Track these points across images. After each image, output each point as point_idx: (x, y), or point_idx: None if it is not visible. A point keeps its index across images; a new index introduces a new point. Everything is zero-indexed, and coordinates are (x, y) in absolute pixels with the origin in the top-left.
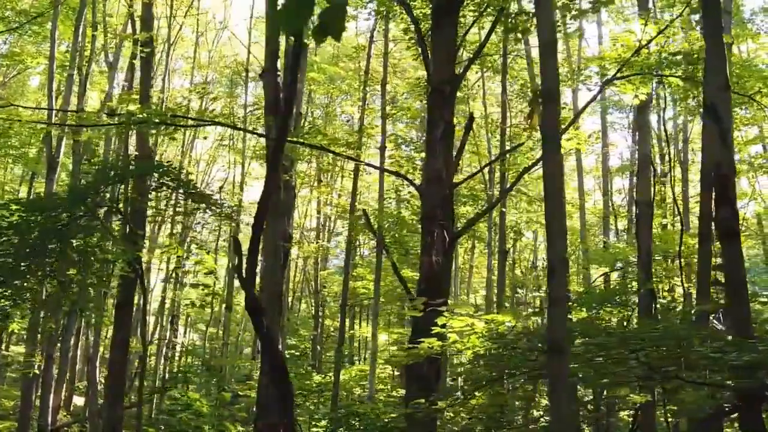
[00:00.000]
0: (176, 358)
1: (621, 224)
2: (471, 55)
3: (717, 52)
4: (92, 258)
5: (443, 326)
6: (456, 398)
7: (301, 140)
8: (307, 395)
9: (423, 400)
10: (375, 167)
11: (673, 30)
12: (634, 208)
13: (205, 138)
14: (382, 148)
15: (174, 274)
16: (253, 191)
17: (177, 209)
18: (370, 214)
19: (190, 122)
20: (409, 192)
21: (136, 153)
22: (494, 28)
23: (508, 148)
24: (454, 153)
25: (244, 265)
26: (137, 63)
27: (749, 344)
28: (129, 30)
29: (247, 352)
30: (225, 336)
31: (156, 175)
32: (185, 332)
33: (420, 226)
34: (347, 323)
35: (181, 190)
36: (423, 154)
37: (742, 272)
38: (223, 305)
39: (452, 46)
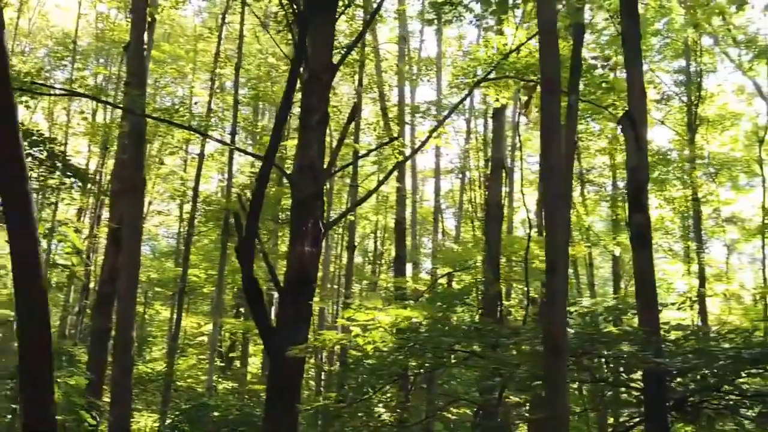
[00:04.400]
0: None
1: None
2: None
3: (635, 59)
4: None
5: (349, 319)
6: (356, 397)
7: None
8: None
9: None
10: (224, 143)
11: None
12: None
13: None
14: (233, 134)
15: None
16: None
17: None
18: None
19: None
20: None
21: None
22: (374, 17)
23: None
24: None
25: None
26: None
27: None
28: None
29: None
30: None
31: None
32: None
33: (290, 214)
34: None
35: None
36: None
37: (653, 277)
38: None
39: (331, 33)
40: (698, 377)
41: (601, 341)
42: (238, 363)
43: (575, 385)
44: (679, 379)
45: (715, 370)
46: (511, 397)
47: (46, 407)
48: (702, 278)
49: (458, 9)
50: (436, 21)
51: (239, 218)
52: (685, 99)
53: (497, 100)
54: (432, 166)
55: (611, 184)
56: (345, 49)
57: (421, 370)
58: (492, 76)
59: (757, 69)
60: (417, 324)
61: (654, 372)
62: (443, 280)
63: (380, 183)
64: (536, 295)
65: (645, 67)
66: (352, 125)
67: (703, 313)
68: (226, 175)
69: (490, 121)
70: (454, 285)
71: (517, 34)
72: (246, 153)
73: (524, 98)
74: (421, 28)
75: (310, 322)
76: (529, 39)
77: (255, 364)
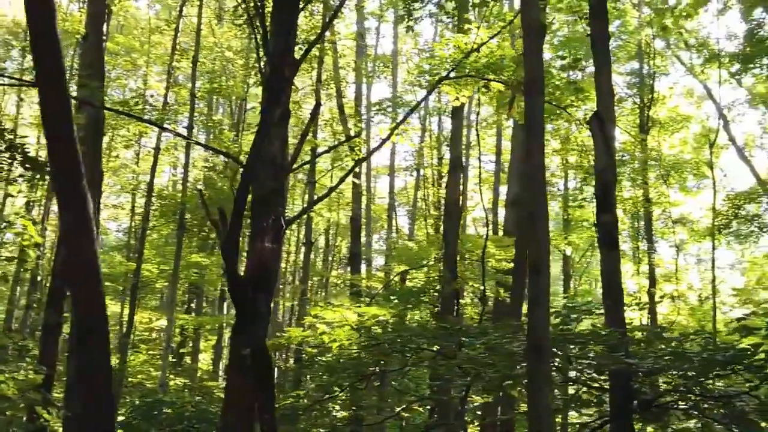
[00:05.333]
0: None
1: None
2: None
3: (604, 60)
4: None
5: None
6: (320, 396)
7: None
8: None
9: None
10: (184, 137)
11: (502, 36)
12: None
13: None
14: (189, 128)
15: None
16: None
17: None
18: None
19: None
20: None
21: None
22: (337, 13)
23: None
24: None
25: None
26: None
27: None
28: None
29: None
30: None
31: None
32: None
33: (251, 210)
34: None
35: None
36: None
37: (620, 277)
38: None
39: (294, 27)
40: (669, 378)
41: (576, 341)
42: (188, 359)
43: None
44: (648, 380)
45: (687, 372)
46: (473, 396)
47: None
48: (652, 279)
49: (428, 7)
50: (406, 18)
51: (224, 215)
52: (637, 101)
53: (457, 98)
54: (386, 164)
55: (562, 184)
56: (307, 44)
57: (387, 369)
58: (453, 74)
59: (708, 72)
60: (384, 322)
61: (621, 372)
62: (397, 278)
63: (342, 179)
64: (492, 294)
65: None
66: None
67: (652, 313)
68: (180, 170)
69: (444, 119)
70: (408, 283)
71: (479, 33)
72: (207, 147)
73: (495, 98)
74: (377, 25)
75: (269, 320)
76: (491, 38)
77: (206, 360)
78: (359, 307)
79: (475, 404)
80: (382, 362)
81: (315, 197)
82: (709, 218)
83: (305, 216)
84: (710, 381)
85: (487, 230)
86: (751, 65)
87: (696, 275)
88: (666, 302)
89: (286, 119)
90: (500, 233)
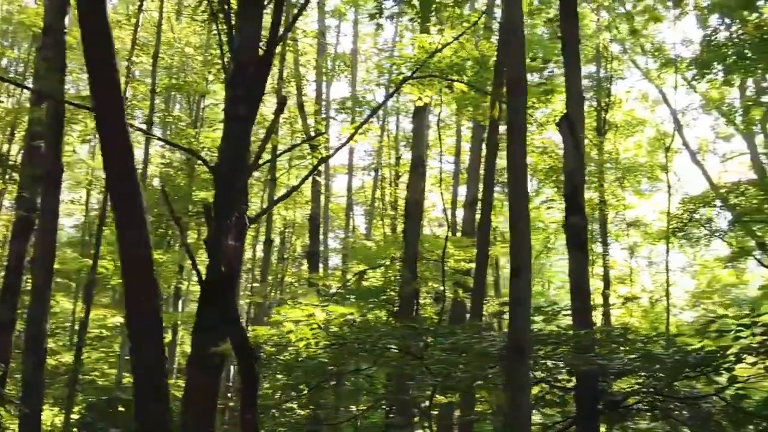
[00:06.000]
0: None
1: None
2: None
3: (574, 63)
4: None
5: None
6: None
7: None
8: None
9: None
10: (147, 134)
11: (466, 37)
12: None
13: None
14: (149, 124)
15: None
16: None
17: None
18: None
19: None
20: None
21: None
22: (304, 8)
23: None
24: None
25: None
26: None
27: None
28: None
29: None
30: None
31: None
32: None
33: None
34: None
35: None
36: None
37: (587, 279)
38: None
39: (259, 23)
40: (635, 379)
41: (549, 342)
42: None
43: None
44: (615, 381)
45: (656, 374)
46: (437, 396)
47: None
48: (606, 280)
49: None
50: (378, 15)
51: (210, 211)
52: (594, 104)
53: (419, 98)
54: (344, 163)
55: None
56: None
57: (356, 369)
58: (417, 74)
59: (664, 77)
60: (352, 321)
61: (589, 373)
62: (353, 278)
63: (305, 177)
64: (451, 295)
65: (557, 71)
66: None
67: (606, 314)
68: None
69: (402, 119)
70: (365, 283)
71: (444, 34)
72: (171, 144)
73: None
74: (338, 23)
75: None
76: (455, 39)
77: None
78: (327, 305)
79: (436, 404)
80: (343, 362)
81: (275, 196)
82: (662, 221)
83: (265, 214)
84: (678, 383)
85: (448, 231)
86: (707, 71)
87: (648, 278)
88: (619, 304)
89: (251, 116)
90: (458, 234)
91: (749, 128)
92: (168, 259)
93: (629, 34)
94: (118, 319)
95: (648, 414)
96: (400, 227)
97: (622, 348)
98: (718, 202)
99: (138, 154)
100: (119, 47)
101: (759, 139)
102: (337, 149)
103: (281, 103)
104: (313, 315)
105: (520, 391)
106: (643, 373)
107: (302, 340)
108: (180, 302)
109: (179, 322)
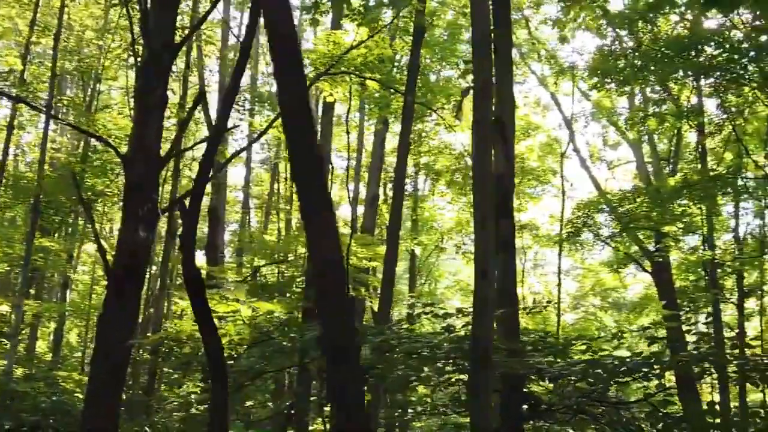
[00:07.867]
0: None
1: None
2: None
3: (506, 68)
4: None
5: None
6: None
7: None
8: None
9: None
10: (54, 117)
11: (381, 35)
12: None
13: None
14: (48, 107)
15: None
16: None
17: None
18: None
19: None
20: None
21: None
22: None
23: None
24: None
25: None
26: None
27: None
28: None
29: None
30: None
31: None
32: None
33: (123, 197)
34: None
35: None
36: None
37: (515, 281)
38: None
39: (174, 13)
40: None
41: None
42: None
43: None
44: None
45: (594, 378)
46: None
47: None
48: None
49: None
50: (313, 10)
51: (185, 205)
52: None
53: (330, 94)
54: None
55: (411, 184)
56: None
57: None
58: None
59: (559, 85)
60: (279, 319)
61: (514, 376)
62: (260, 271)
63: (218, 170)
64: (354, 293)
65: (452, 74)
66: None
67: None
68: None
69: None
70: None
71: (359, 31)
72: (72, 126)
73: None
74: (240, 15)
75: (139, 311)
76: (370, 37)
77: (41, 347)
78: (255, 301)
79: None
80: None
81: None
82: (552, 224)
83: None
84: (611, 388)
85: (353, 228)
86: (608, 80)
87: (534, 280)
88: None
89: (162, 106)
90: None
91: (637, 138)
92: (60, 247)
93: (559, 41)
94: (4, 308)
95: (573, 419)
96: (295, 222)
97: (547, 352)
98: (607, 208)
99: (33, 137)
100: (14, 26)
101: (645, 148)
102: (251, 143)
103: (200, 95)
104: (239, 311)
105: (484, 402)
106: (572, 378)
107: (226, 335)
108: (67, 293)
109: (66, 313)
